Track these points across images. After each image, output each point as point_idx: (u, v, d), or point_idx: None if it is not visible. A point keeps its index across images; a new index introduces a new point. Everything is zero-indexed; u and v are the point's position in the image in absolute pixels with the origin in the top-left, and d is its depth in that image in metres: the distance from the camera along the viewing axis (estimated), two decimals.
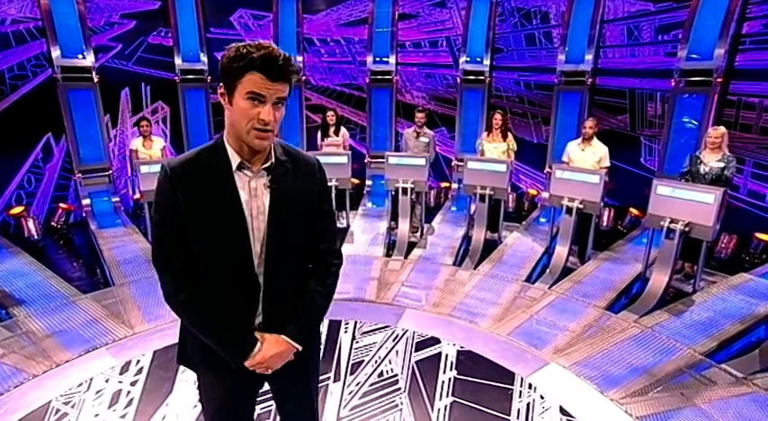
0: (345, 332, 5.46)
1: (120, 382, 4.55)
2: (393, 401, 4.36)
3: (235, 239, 2.07)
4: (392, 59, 10.94)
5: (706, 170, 6.46)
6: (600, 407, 4.32)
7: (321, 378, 4.43)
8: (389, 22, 10.71)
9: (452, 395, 4.44)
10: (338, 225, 8.32)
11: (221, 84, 1.96)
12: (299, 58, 10.87)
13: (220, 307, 2.14)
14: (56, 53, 8.65)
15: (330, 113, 9.14)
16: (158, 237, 2.13)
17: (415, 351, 5.12)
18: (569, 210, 7.16)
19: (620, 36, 9.31)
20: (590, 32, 9.23)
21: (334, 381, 4.61)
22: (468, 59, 10.56)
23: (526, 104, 10.67)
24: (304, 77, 11.24)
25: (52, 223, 9.02)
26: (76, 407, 4.22)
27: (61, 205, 9.16)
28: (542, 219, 9.14)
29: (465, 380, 4.64)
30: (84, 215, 9.11)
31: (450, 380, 4.66)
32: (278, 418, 2.70)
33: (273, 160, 2.11)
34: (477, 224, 8.04)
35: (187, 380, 4.52)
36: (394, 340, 5.33)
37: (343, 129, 9.32)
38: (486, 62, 10.48)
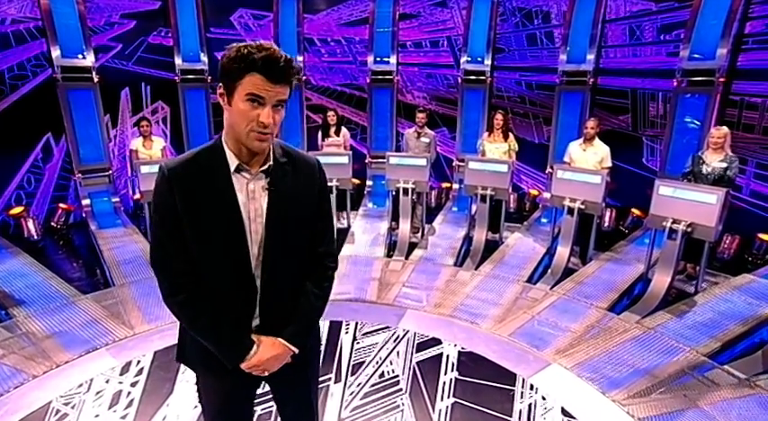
0: (346, 333, 5.44)
1: (121, 383, 4.53)
2: (394, 402, 4.34)
3: (232, 241, 2.06)
4: (393, 59, 10.91)
5: (708, 170, 6.44)
6: (602, 408, 4.30)
7: (322, 379, 4.45)
8: (390, 21, 10.68)
9: (454, 396, 4.42)
10: (339, 225, 8.37)
11: (221, 84, 1.94)
12: (300, 58, 10.84)
13: (218, 308, 2.13)
14: (56, 53, 8.63)
15: (331, 113, 9.12)
16: (156, 238, 2.13)
17: (417, 352, 5.11)
18: (571, 211, 7.14)
19: (621, 36, 9.29)
20: (592, 32, 9.20)
21: (335, 382, 4.59)
22: (470, 59, 10.52)
23: (527, 104, 10.65)
24: (304, 77, 11.22)
25: (52, 223, 9.01)
26: (77, 407, 4.21)
27: (61, 205, 9.15)
28: (544, 220, 9.12)
29: (466, 381, 4.63)
30: (83, 215, 9.09)
31: (451, 380, 4.64)
32: (278, 419, 2.66)
33: (272, 162, 2.09)
34: (479, 224, 8.02)
35: (188, 380, 4.50)
36: (395, 341, 5.31)
37: (343, 130, 9.30)
38: (488, 62, 10.44)
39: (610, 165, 7.44)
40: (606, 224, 9.12)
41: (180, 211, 2.00)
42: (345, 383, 4.59)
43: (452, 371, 4.79)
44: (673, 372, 4.76)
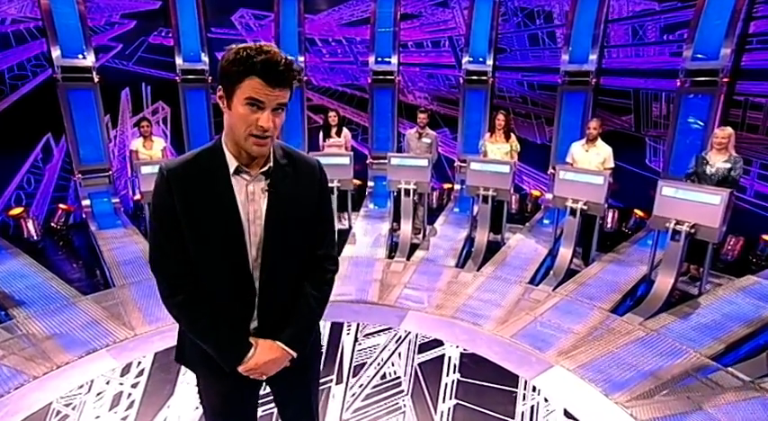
0: (348, 334, 5.43)
1: (121, 384, 4.52)
2: (396, 404, 4.32)
3: (231, 243, 2.05)
4: (394, 59, 10.88)
5: (712, 171, 6.42)
6: (605, 410, 4.28)
7: (323, 380, 4.45)
8: (392, 21, 10.65)
9: (456, 397, 4.41)
10: (340, 226, 8.35)
11: (220, 87, 1.92)
12: (301, 59, 10.82)
13: (216, 310, 2.12)
14: (56, 53, 8.62)
15: (332, 114, 9.11)
16: (155, 239, 2.12)
17: (418, 353, 5.09)
18: (573, 212, 7.12)
19: (624, 36, 9.28)
20: (594, 32, 9.19)
21: (337, 384, 4.58)
22: (471, 59, 10.49)
23: (529, 105, 10.64)
24: (305, 78, 11.19)
25: (52, 224, 8.98)
26: (77, 408, 4.20)
27: (61, 206, 9.13)
28: (546, 221, 9.11)
29: (468, 383, 4.61)
30: (83, 216, 9.07)
31: (453, 382, 4.62)
32: None
33: (272, 164, 2.08)
34: (480, 225, 8.01)
35: (188, 382, 4.48)
36: (397, 342, 5.29)
37: (345, 130, 9.29)
38: (489, 62, 10.41)
39: (612, 165, 7.41)
40: (609, 225, 9.10)
41: (178, 213, 1.99)
42: (347, 384, 4.57)
43: (454, 372, 4.77)
44: (676, 374, 4.73)
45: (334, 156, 8.37)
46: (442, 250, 7.90)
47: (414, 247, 8.00)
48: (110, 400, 4.30)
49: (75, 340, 5.18)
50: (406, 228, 8.23)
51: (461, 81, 10.68)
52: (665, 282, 6.20)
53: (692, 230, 5.92)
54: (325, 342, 5.09)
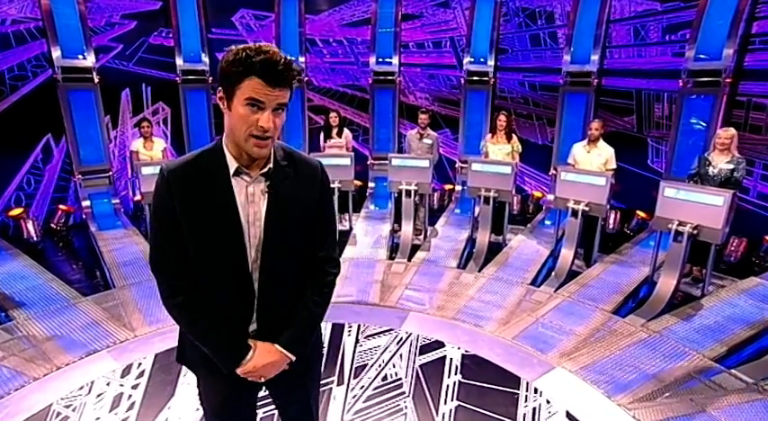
0: (349, 335, 5.41)
1: (122, 385, 4.52)
2: (397, 405, 4.31)
3: (230, 245, 2.05)
4: (395, 60, 10.88)
5: (715, 172, 6.39)
6: (607, 412, 4.26)
7: (324, 381, 4.43)
8: (393, 22, 10.66)
9: (457, 399, 4.39)
10: (341, 227, 8.33)
11: (220, 88, 1.92)
12: (302, 59, 10.82)
13: (215, 312, 2.12)
14: (56, 53, 8.61)
15: (333, 115, 9.12)
16: (155, 240, 2.12)
17: (420, 354, 5.07)
18: (575, 213, 7.09)
19: (626, 36, 9.26)
20: (596, 32, 9.18)
21: (338, 385, 4.57)
22: (472, 60, 10.48)
23: (531, 105, 10.63)
24: (306, 78, 11.18)
25: (52, 225, 8.96)
26: (78, 410, 4.19)
27: (61, 207, 9.11)
28: (547, 222, 9.09)
29: (470, 385, 4.60)
30: (83, 217, 9.07)
31: (454, 384, 4.61)
32: None
33: (272, 165, 2.07)
34: (482, 226, 8.00)
35: (189, 383, 4.48)
36: (398, 343, 5.28)
37: (346, 131, 9.30)
38: (491, 63, 10.40)
39: (614, 166, 7.40)
40: (611, 226, 9.08)
41: (178, 214, 1.99)
42: (348, 386, 4.56)
43: (456, 374, 4.76)
44: (679, 376, 4.71)
45: (335, 157, 8.39)
46: (444, 251, 7.88)
47: (415, 248, 7.99)
48: (110, 401, 4.29)
49: (76, 341, 5.17)
50: (407, 229, 8.22)
51: (463, 81, 10.67)
52: (667, 284, 6.19)
53: (695, 231, 5.90)
54: (326, 343, 5.08)
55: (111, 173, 9.47)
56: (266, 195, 2.06)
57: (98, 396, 4.37)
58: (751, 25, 7.68)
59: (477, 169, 7.94)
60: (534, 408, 4.29)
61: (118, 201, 9.55)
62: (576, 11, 9.32)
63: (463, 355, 5.06)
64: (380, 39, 10.78)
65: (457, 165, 10.96)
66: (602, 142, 7.47)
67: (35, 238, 8.28)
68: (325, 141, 9.16)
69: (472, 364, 4.92)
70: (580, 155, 7.61)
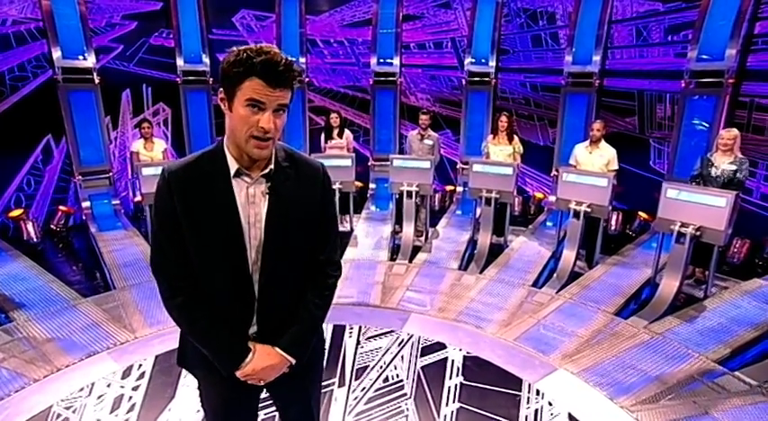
0: (350, 337, 5.41)
1: (122, 387, 4.51)
2: (399, 407, 4.30)
3: (230, 247, 2.04)
4: (396, 61, 10.89)
5: (718, 173, 6.37)
6: (610, 414, 4.25)
7: (325, 383, 4.42)
8: (394, 22, 10.66)
9: (459, 401, 4.38)
10: (342, 228, 8.31)
11: (221, 89, 1.93)
12: (302, 60, 10.83)
13: (215, 313, 2.12)
14: (57, 54, 8.60)
15: (334, 115, 9.12)
16: (156, 241, 2.13)
17: (421, 356, 5.06)
18: (577, 214, 7.07)
19: (628, 37, 9.25)
20: (597, 33, 9.17)
21: (339, 387, 4.56)
22: (474, 61, 10.48)
23: (532, 106, 10.61)
24: (307, 79, 11.17)
25: (51, 226, 8.94)
26: (78, 411, 4.18)
27: (61, 208, 9.09)
28: (549, 223, 9.07)
29: (472, 386, 4.59)
30: (83, 218, 9.06)
31: (456, 385, 4.60)
32: None
33: (273, 166, 2.07)
34: (483, 228, 7.98)
35: (189, 385, 4.47)
36: (399, 345, 5.27)
37: (347, 132, 9.30)
38: (492, 63, 10.40)
39: (616, 167, 7.39)
40: (613, 227, 9.04)
41: (179, 215, 1.99)
42: (349, 388, 4.55)
43: (457, 375, 4.74)
44: (682, 379, 4.69)
45: (336, 158, 8.37)
46: (445, 253, 7.87)
47: (416, 250, 7.97)
48: (110, 403, 4.28)
49: (76, 343, 5.16)
50: (408, 230, 8.19)
51: (464, 82, 10.67)
52: (669, 286, 6.16)
53: (698, 233, 5.87)
54: (327, 345, 5.05)
55: (111, 174, 9.46)
56: (267, 196, 2.06)
57: (98, 397, 4.36)
58: (754, 25, 7.66)
59: (479, 170, 7.92)
60: (536, 410, 4.28)
61: (118, 202, 9.54)
62: (577, 11, 9.32)
63: (465, 357, 5.05)
64: (381, 39, 10.78)
65: (458, 167, 10.94)
66: (603, 143, 7.46)
67: (35, 240, 8.25)
68: (325, 142, 9.16)
69: (474, 366, 4.91)
70: (582, 156, 7.59)
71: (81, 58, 8.85)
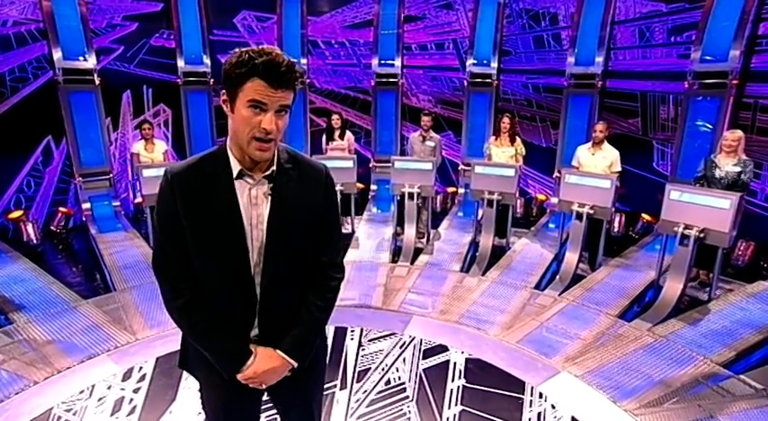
0: (351, 339, 5.39)
1: (123, 389, 4.50)
2: (401, 410, 4.29)
3: (232, 248, 2.05)
4: (398, 62, 10.88)
5: (722, 175, 6.35)
6: (613, 417, 4.23)
7: (327, 385, 4.41)
8: (395, 23, 10.66)
9: (461, 404, 4.36)
10: (343, 230, 8.26)
11: (223, 90, 1.94)
12: (303, 61, 10.82)
13: (217, 315, 2.12)
14: (57, 55, 8.60)
15: (335, 117, 9.12)
16: (158, 243, 2.16)
17: (423, 358, 5.05)
18: (579, 216, 7.05)
19: (631, 37, 9.23)
20: (600, 34, 9.15)
21: (341, 389, 4.55)
22: (476, 62, 10.46)
23: (534, 108, 10.58)
24: (308, 80, 11.16)
25: (51, 227, 8.92)
26: (78, 414, 4.18)
27: (61, 209, 9.07)
28: (551, 225, 9.02)
29: (474, 389, 4.57)
30: (84, 219, 9.04)
31: (458, 388, 4.58)
32: None
33: (276, 167, 2.07)
34: (485, 230, 7.96)
35: (190, 387, 4.46)
36: (401, 347, 5.25)
37: (348, 133, 9.29)
38: (494, 65, 10.38)
39: (619, 169, 7.37)
40: (616, 229, 9.01)
41: (181, 216, 2.00)
42: (351, 390, 4.54)
43: (460, 378, 4.73)
44: (686, 382, 4.66)
45: (338, 160, 8.34)
46: (447, 254, 7.84)
47: (417, 252, 7.94)
48: (111, 406, 4.27)
49: (76, 345, 5.14)
50: (409, 232, 8.16)
51: (466, 84, 10.65)
52: (673, 288, 6.13)
53: (702, 235, 5.85)
54: (328, 347, 5.04)
55: (111, 175, 9.44)
56: (269, 198, 2.06)
57: (99, 400, 4.35)
58: (757, 26, 7.63)
59: (481, 172, 7.91)
60: (539, 413, 4.26)
61: (118, 203, 9.52)
62: (580, 12, 9.30)
63: (467, 359, 5.03)
64: (383, 40, 10.77)
65: (460, 168, 10.91)
66: (606, 145, 7.44)
67: (35, 241, 8.22)
68: (327, 144, 9.16)
69: (476, 368, 4.89)
70: (584, 157, 7.57)
71: (81, 59, 8.84)
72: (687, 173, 7.72)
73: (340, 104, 11.59)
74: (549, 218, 9.40)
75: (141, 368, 4.80)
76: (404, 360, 5.01)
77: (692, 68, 8.11)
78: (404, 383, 4.64)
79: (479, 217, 8.31)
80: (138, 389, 4.50)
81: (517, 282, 6.86)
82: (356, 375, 4.75)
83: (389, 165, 8.37)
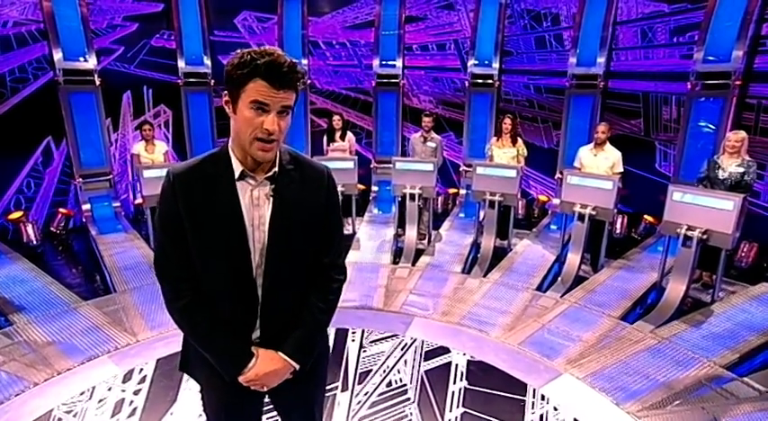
0: (353, 341, 5.37)
1: (123, 391, 4.48)
2: (402, 412, 4.27)
3: (233, 249, 2.05)
4: (399, 63, 10.88)
5: (725, 176, 6.33)
6: (616, 420, 4.21)
7: (328, 387, 4.40)
8: (396, 24, 10.66)
9: (463, 406, 4.34)
10: (344, 231, 8.24)
11: (226, 91, 1.94)
12: (304, 62, 10.82)
13: (218, 317, 2.12)
14: (58, 56, 8.60)
15: (336, 118, 9.11)
16: (160, 244, 2.15)
17: (425, 360, 5.03)
18: (581, 217, 7.03)
19: (633, 38, 9.23)
20: (602, 34, 9.14)
21: (342, 391, 4.53)
22: (477, 63, 10.45)
23: (536, 108, 10.57)
24: (309, 81, 11.15)
25: (51, 228, 8.91)
26: (79, 416, 4.16)
27: (61, 210, 9.06)
28: (553, 226, 9.01)
29: (476, 391, 4.55)
30: (84, 220, 9.02)
31: (460, 390, 4.56)
32: None
33: (278, 169, 2.08)
34: (487, 231, 7.94)
35: (191, 388, 4.44)
36: (402, 349, 5.23)
37: (349, 134, 9.28)
38: (496, 65, 10.37)
39: (621, 170, 7.34)
40: (618, 231, 9.01)
41: (183, 217, 2.00)
42: (352, 392, 4.52)
43: (461, 380, 4.71)
44: (690, 384, 4.64)
45: (339, 161, 8.32)
46: (448, 256, 7.82)
47: (419, 253, 7.93)
48: (111, 407, 4.26)
49: (76, 346, 5.13)
50: (410, 233, 8.14)
51: (467, 84, 10.65)
52: (676, 290, 6.11)
53: (705, 236, 5.83)
54: (330, 349, 5.03)
55: (111, 176, 9.43)
56: (271, 199, 2.05)
57: (99, 401, 4.33)
58: (760, 27, 7.62)
59: (482, 173, 7.89)
60: (541, 415, 4.24)
61: (118, 204, 9.51)
62: (581, 12, 9.28)
63: (469, 361, 5.00)
64: (384, 41, 10.78)
65: (461, 169, 10.91)
66: (608, 145, 7.42)
67: (35, 242, 8.21)
68: (328, 145, 9.16)
69: (478, 370, 4.86)
70: (587, 158, 7.55)
71: (82, 59, 8.84)
72: (690, 174, 7.69)
73: (341, 105, 11.59)
74: (551, 219, 9.40)
75: (142, 369, 4.78)
76: (405, 362, 4.99)
77: (694, 69, 8.09)
78: (405, 385, 4.62)
79: (481, 218, 8.30)
80: (139, 390, 4.48)
81: (519, 283, 6.84)
82: (357, 377, 4.73)
83: (390, 166, 8.36)
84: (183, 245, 2.02)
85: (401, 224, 8.46)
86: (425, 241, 8.47)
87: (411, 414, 4.24)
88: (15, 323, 5.52)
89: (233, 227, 2.01)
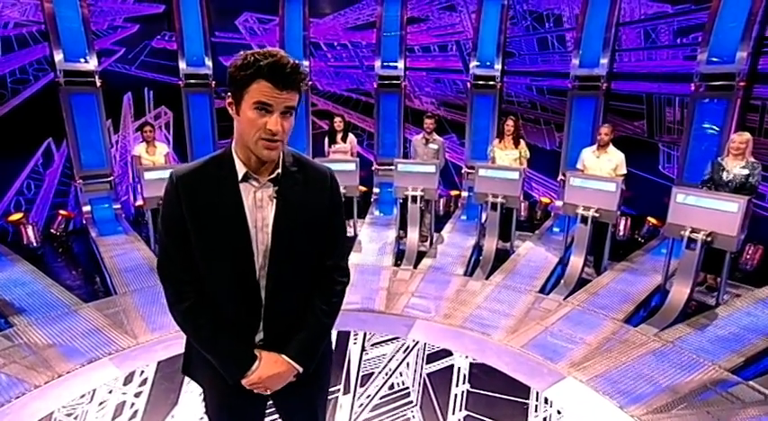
0: (355, 343, 5.36)
1: (124, 394, 4.48)
2: (404, 415, 4.26)
3: (237, 251, 2.04)
4: (401, 64, 10.87)
5: (729, 177, 6.30)
6: None
7: (330, 390, 4.32)
8: (398, 25, 10.65)
9: (466, 409, 4.33)
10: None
11: (229, 93, 1.94)
12: (306, 63, 10.79)
13: (221, 319, 2.11)
14: (58, 57, 8.59)
15: (338, 119, 9.09)
16: (163, 246, 2.14)
17: (427, 363, 5.02)
18: (584, 219, 7.00)
19: (636, 39, 9.21)
20: (605, 35, 9.12)
21: (344, 394, 4.52)
22: (479, 64, 10.45)
23: (539, 110, 10.58)
24: (310, 82, 11.15)
25: (52, 230, 8.90)
26: (79, 418, 4.16)
27: (61, 212, 9.07)
28: (556, 229, 8.99)
29: (478, 394, 4.53)
30: (84, 222, 9.01)
31: (463, 393, 4.55)
32: None
33: (281, 170, 2.07)
34: (489, 233, 7.92)
35: (192, 391, 4.43)
36: (404, 352, 5.21)
37: (350, 136, 9.27)
38: (498, 67, 10.37)
39: (624, 172, 7.32)
40: (621, 233, 8.97)
41: (186, 219, 2.00)
42: (354, 395, 4.51)
43: (464, 383, 4.69)
44: (694, 388, 4.61)
45: (340, 163, 8.31)
46: (450, 258, 7.80)
47: (421, 255, 7.91)
48: (112, 410, 4.25)
49: (77, 348, 5.12)
50: (412, 235, 8.13)
51: (469, 86, 10.64)
52: (680, 292, 6.07)
53: (709, 239, 5.78)
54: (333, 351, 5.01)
55: (112, 177, 9.41)
56: (274, 201, 2.05)
57: (100, 404, 4.32)
58: (765, 28, 7.58)
59: (485, 175, 7.86)
60: (545, 418, 4.22)
61: (119, 206, 9.49)
62: (584, 13, 9.26)
63: (471, 364, 4.99)
64: (386, 42, 10.77)
65: (463, 171, 10.91)
66: (611, 147, 7.40)
67: (35, 244, 8.20)
68: (329, 146, 9.14)
69: (480, 373, 4.85)
70: (589, 160, 7.54)
71: (83, 60, 8.83)
72: (694, 176, 7.65)
73: (342, 107, 11.60)
74: (554, 221, 9.37)
75: (143, 372, 4.77)
76: (407, 364, 4.98)
77: (698, 70, 8.05)
78: (407, 388, 4.61)
79: (483, 220, 8.28)
80: (140, 393, 4.47)
81: (521, 286, 6.82)
82: (359, 380, 4.72)
83: (392, 167, 8.37)
84: (187, 247, 2.01)
85: (403, 226, 8.45)
86: (427, 243, 8.46)
87: (413, 417, 4.22)
88: (16, 325, 5.50)
89: (236, 229, 2.00)
